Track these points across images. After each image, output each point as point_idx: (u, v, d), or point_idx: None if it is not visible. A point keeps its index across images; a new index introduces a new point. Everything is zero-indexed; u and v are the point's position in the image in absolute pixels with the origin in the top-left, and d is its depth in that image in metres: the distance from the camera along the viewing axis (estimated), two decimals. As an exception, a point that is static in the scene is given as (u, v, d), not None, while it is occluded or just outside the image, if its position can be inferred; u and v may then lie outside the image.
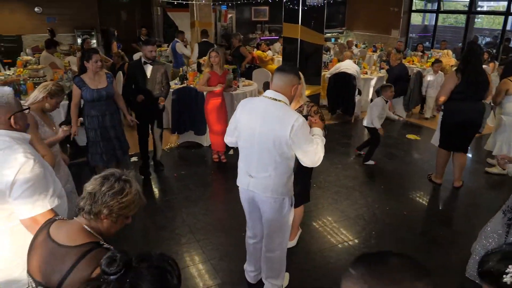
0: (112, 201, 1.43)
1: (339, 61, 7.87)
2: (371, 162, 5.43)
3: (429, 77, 7.38)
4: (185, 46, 8.79)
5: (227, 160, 5.46)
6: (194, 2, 8.96)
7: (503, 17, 10.42)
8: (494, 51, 10.17)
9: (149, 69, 4.57)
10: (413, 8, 12.68)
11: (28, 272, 1.46)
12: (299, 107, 3.04)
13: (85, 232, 1.45)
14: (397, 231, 3.88)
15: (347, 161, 5.63)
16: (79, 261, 1.34)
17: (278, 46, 11.36)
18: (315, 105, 3.11)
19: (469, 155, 5.75)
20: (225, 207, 4.39)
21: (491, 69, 8.11)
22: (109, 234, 1.51)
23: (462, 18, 12.13)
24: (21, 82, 5.94)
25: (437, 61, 7.51)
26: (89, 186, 1.46)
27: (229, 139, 2.69)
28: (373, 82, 7.88)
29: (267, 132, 2.38)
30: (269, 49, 9.66)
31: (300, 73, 3.01)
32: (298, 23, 5.48)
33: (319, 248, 3.57)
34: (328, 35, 14.19)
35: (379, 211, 4.23)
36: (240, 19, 14.02)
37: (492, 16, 13.06)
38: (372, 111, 5.24)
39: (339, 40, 13.55)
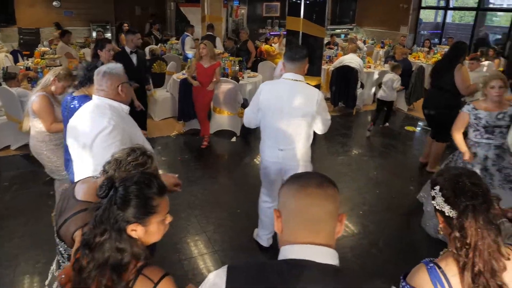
0: (134, 170, 1.58)
1: (344, 55, 8.07)
2: (387, 124, 6.66)
3: None
4: (194, 40, 9.08)
5: (228, 147, 5.77)
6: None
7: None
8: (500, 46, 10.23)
9: (134, 58, 4.87)
10: (423, 5, 12.72)
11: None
12: None
13: (94, 192, 1.65)
14: (383, 212, 4.11)
15: (343, 149, 5.86)
16: (75, 215, 1.60)
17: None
18: None
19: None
20: (221, 187, 4.68)
21: (496, 65, 8.18)
22: None
23: (470, 16, 12.15)
24: (39, 70, 6.33)
25: None
26: (117, 154, 1.67)
27: (252, 121, 3.01)
28: (375, 76, 8.06)
29: (295, 109, 2.77)
30: (273, 42, 9.85)
31: None
32: (300, 16, 5.70)
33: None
34: (338, 31, 14.33)
35: (369, 195, 4.45)
36: (252, 14, 14.24)
37: (510, 14, 13.03)
38: (393, 85, 6.32)
39: (348, 36, 13.68)
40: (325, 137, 6.36)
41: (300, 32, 5.73)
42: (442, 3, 13.73)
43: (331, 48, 10.23)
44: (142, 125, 5.28)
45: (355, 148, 5.94)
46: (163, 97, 6.85)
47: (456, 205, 1.34)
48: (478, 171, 3.25)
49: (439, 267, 1.33)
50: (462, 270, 1.29)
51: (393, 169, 5.20)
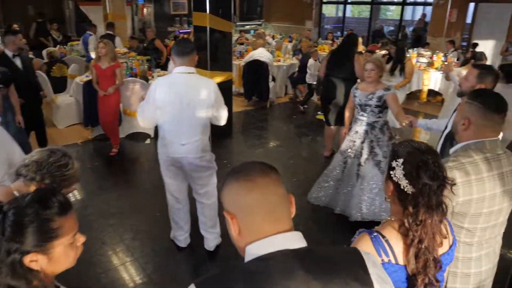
0: (57, 172, 1.54)
1: (253, 50, 8.19)
2: (305, 106, 7.41)
3: None
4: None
5: (142, 149, 5.55)
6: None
7: (401, 8, 11.53)
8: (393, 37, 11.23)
9: (18, 62, 4.37)
10: (324, 0, 13.45)
11: None
12: None
13: (10, 197, 1.48)
14: (302, 199, 4.22)
15: (260, 142, 5.95)
16: None
17: (198, 38, 11.44)
18: None
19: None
20: (137, 192, 4.46)
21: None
22: None
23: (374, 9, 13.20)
24: None
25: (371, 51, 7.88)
26: (35, 156, 1.53)
27: (150, 120, 2.92)
28: (285, 69, 8.32)
29: (195, 101, 2.77)
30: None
31: None
32: (207, 11, 5.64)
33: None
34: (247, 27, 14.53)
35: (287, 184, 4.55)
36: (159, 12, 13.81)
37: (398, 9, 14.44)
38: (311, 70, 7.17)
39: (256, 32, 13.94)
40: (242, 131, 6.42)
41: (208, 27, 5.67)
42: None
43: (242, 44, 10.33)
44: (41, 136, 4.81)
45: (271, 140, 6.07)
46: (66, 103, 6.33)
47: (415, 182, 1.33)
48: (358, 142, 3.68)
49: (383, 236, 1.34)
50: (409, 245, 1.31)
51: (308, 157, 5.42)
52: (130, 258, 3.26)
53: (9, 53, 4.29)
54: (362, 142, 3.64)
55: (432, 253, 1.32)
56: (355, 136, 3.69)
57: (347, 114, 3.98)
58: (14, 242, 1.04)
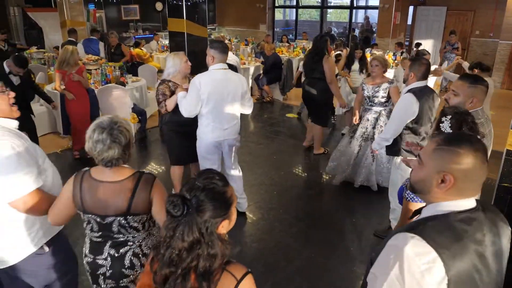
0: (123, 137, 1.78)
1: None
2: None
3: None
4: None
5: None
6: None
7: (349, 11, 12.38)
8: (344, 39, 12.01)
9: (14, 79, 4.54)
10: (276, 4, 14.01)
11: (85, 211, 1.79)
12: None
13: (127, 168, 1.85)
14: (293, 188, 4.64)
15: (241, 141, 6.22)
16: (137, 186, 1.78)
17: (154, 44, 11.46)
18: None
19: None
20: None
21: (344, 54, 9.58)
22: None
23: (315, 14, 13.96)
24: None
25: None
26: (97, 137, 1.73)
27: (193, 112, 3.34)
28: (251, 71, 8.69)
29: (234, 91, 3.38)
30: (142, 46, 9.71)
31: None
32: (184, 17, 5.85)
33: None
34: (202, 31, 14.71)
35: (276, 176, 4.93)
36: (110, 18, 13.63)
37: (339, 12, 15.38)
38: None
39: (212, 36, 14.17)
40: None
41: (185, 33, 5.89)
42: (288, 3, 15.36)
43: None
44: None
45: (250, 139, 6.36)
46: (38, 112, 6.19)
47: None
48: (370, 128, 4.31)
49: None
50: None
51: (289, 152, 5.80)
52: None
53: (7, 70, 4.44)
54: (374, 128, 4.27)
55: None
56: (367, 123, 4.31)
57: (355, 105, 4.62)
58: (208, 217, 1.25)
